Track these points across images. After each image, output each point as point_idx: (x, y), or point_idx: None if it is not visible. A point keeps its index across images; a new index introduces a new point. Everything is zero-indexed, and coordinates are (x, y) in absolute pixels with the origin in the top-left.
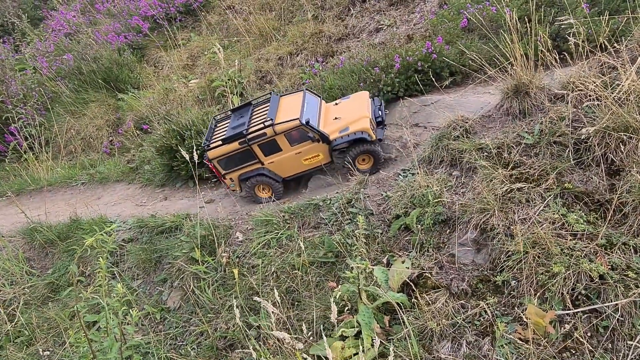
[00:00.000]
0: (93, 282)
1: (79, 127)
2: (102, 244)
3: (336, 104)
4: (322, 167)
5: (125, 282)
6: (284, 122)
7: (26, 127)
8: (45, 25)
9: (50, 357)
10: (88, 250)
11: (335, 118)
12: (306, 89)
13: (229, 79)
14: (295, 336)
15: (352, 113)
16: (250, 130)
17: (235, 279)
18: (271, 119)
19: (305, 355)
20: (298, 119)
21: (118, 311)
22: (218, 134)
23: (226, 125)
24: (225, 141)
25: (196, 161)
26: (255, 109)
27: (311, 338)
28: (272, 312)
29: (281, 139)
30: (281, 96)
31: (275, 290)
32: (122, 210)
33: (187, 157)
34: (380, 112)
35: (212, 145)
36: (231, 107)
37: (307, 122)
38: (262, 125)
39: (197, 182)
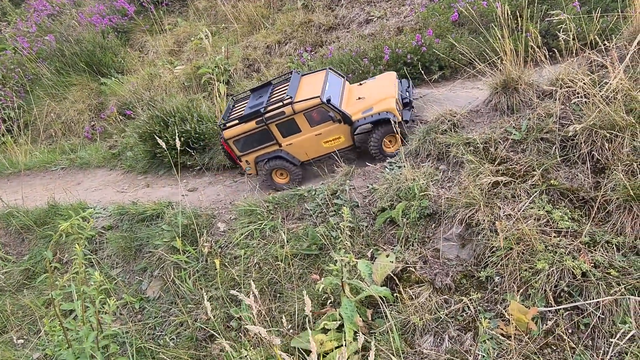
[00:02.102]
0: (70, 269)
1: (59, 110)
2: (79, 229)
3: (361, 84)
4: (343, 150)
5: (104, 270)
6: (303, 100)
7: (5, 109)
8: (27, 5)
9: (24, 345)
10: (63, 236)
11: (359, 98)
12: (329, 68)
13: (215, 66)
14: (276, 329)
15: (377, 93)
16: (269, 108)
17: (216, 269)
18: (290, 97)
19: (282, 353)
20: (319, 97)
21: (95, 299)
22: (236, 113)
23: (244, 105)
24: (242, 120)
25: (179, 148)
26: (275, 88)
27: (292, 331)
28: (252, 305)
29: (300, 119)
30: (302, 75)
31: (253, 284)
32: (102, 197)
33: (165, 145)
34: (407, 93)
35: (228, 125)
36: (217, 95)
37: (328, 101)
38: (280, 103)
39: (178, 170)
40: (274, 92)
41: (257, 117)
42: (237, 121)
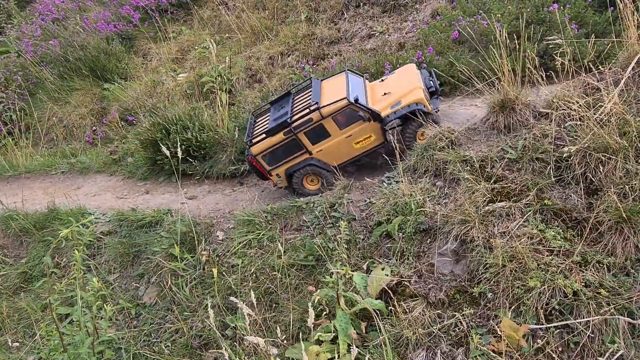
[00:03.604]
0: (67, 274)
1: (61, 114)
2: (79, 236)
3: (382, 80)
4: (376, 149)
5: (101, 275)
6: (330, 104)
7: (6, 112)
8: (33, 9)
9: (19, 348)
10: (63, 242)
11: (385, 94)
12: (348, 69)
13: (218, 75)
14: (271, 339)
15: (403, 86)
16: (295, 117)
17: (214, 277)
18: (316, 103)
19: None
20: (346, 98)
21: (92, 305)
22: (259, 129)
23: (266, 119)
24: (269, 133)
25: (180, 156)
26: (296, 97)
27: (286, 341)
28: (248, 314)
29: (329, 123)
30: (322, 80)
31: (252, 293)
32: (102, 202)
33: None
34: (431, 82)
35: (254, 141)
36: (219, 104)
37: (356, 100)
38: (307, 111)
39: (179, 178)
40: (296, 101)
41: (284, 128)
42: (264, 135)
